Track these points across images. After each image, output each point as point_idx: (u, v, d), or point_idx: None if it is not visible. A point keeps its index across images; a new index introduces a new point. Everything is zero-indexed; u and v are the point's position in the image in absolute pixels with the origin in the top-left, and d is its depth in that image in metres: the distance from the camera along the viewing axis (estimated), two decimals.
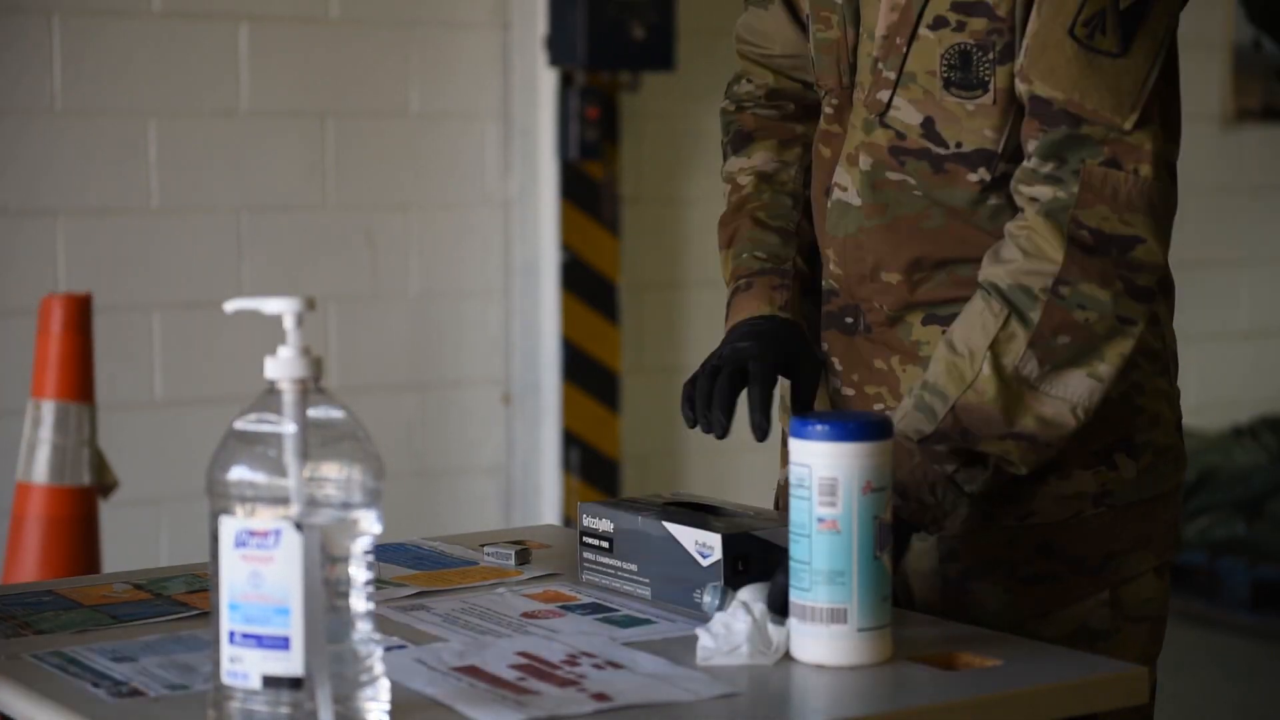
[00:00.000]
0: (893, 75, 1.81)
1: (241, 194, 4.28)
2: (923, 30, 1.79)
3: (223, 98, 4.24)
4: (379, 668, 1.38)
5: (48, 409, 3.26)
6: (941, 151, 1.80)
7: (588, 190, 4.52)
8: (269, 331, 1.46)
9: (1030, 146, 1.73)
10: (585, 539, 1.82)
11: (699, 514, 1.77)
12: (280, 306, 1.34)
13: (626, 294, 4.64)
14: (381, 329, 4.46)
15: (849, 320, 1.88)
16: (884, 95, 1.82)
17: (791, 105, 2.03)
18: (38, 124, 4.06)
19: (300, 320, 1.35)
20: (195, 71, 4.21)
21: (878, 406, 1.86)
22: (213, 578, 1.36)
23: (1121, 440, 1.84)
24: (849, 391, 1.89)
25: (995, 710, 1.49)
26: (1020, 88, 1.74)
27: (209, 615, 1.39)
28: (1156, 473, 1.86)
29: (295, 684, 1.33)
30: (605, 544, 1.80)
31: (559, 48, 4.42)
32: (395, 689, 1.41)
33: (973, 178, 1.79)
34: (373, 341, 4.45)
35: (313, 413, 1.34)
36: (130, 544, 4.02)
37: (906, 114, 1.81)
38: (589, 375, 4.55)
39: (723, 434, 1.78)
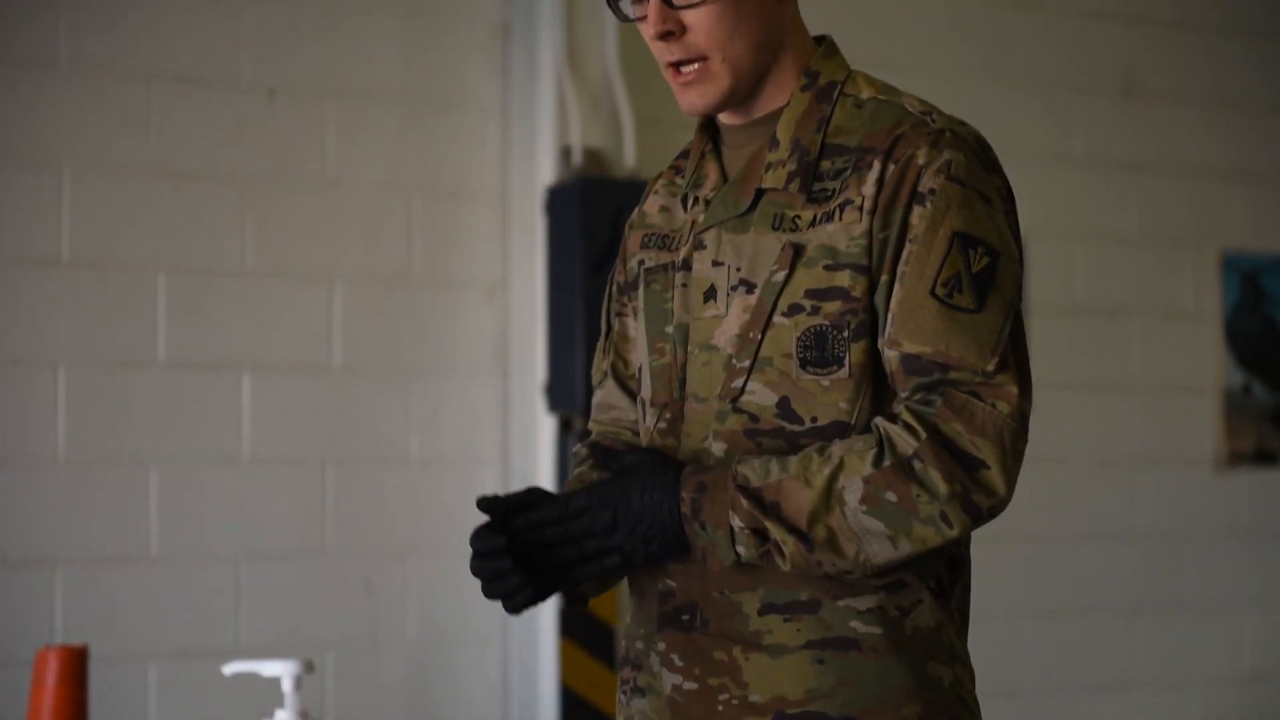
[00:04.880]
0: (747, 364, 1.98)
1: (241, 542, 4.28)
2: (777, 319, 1.98)
3: (225, 445, 4.28)
4: None
5: None
6: (797, 428, 1.96)
7: None
8: (267, 688, 1.45)
9: (901, 391, 1.93)
10: None
11: None
12: (278, 670, 1.34)
13: None
14: (379, 676, 4.42)
15: (685, 618, 1.99)
16: (738, 383, 1.98)
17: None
18: (39, 475, 4.08)
19: (299, 683, 1.35)
20: (198, 420, 4.25)
21: (722, 698, 1.95)
22: None
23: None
24: (691, 686, 1.98)
25: None
26: (888, 354, 1.94)
27: None
28: None
29: None
30: None
31: (558, 394, 4.47)
32: None
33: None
34: (371, 690, 4.41)
35: None
36: None
37: (761, 397, 1.97)
38: None
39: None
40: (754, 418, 1.97)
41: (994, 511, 1.90)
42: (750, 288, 1.99)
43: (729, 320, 2.00)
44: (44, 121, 4.11)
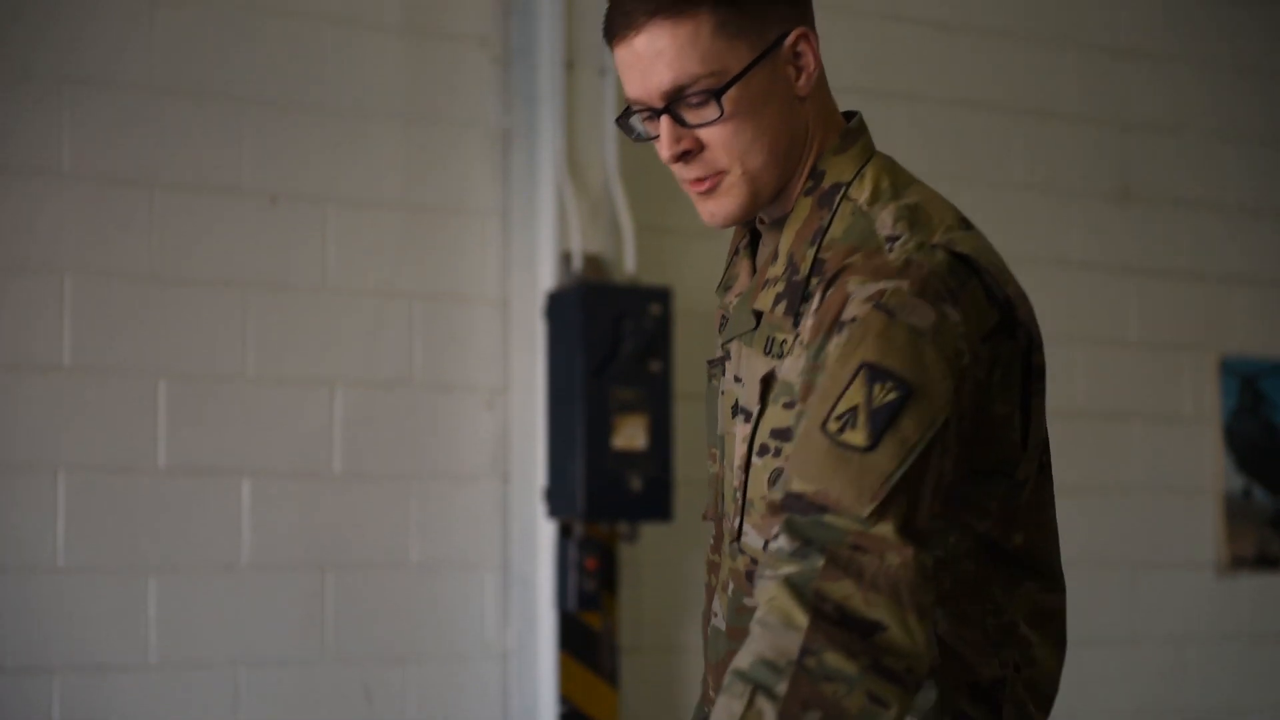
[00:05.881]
0: (741, 503, 1.90)
1: (239, 648, 4.26)
2: (754, 459, 1.88)
3: (224, 552, 4.27)
4: None
5: None
6: None
7: (586, 641, 4.51)
8: None
9: (778, 531, 1.76)
10: None
11: None
12: None
13: None
14: None
15: None
16: (737, 523, 1.91)
17: None
18: (38, 580, 4.07)
19: None
20: (197, 525, 4.24)
21: None
22: None
23: None
24: None
25: None
26: (775, 495, 1.80)
27: None
28: None
29: None
30: None
31: (558, 499, 4.46)
32: None
33: None
34: None
35: None
36: None
37: (752, 539, 1.89)
38: None
39: None
40: (753, 560, 1.89)
41: (914, 672, 1.71)
42: (747, 416, 1.92)
43: (737, 446, 1.93)
44: (46, 227, 4.13)
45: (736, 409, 1.95)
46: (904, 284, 1.80)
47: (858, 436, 1.75)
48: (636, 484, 4.43)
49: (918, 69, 5.26)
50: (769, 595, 1.72)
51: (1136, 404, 5.55)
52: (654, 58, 1.89)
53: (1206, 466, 5.63)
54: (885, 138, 5.50)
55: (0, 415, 4.07)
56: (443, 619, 4.50)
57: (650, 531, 4.61)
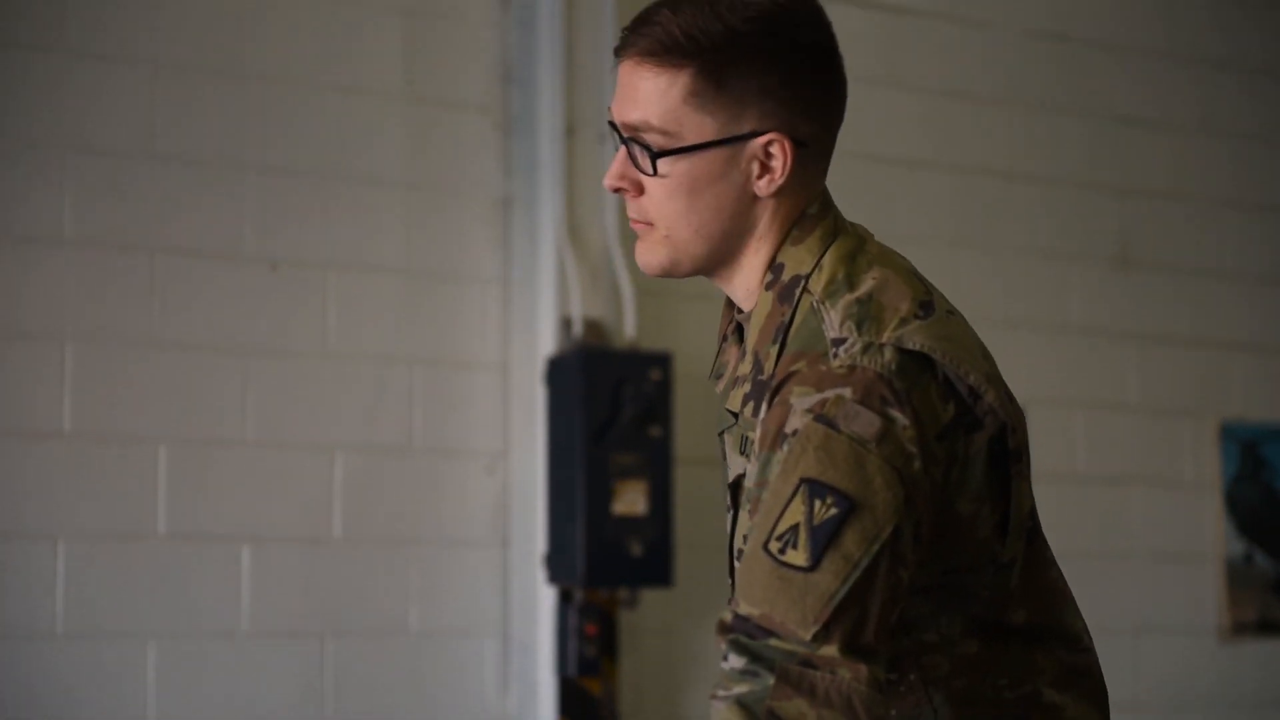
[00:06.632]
0: (729, 583, 1.90)
1: (240, 714, 4.24)
2: (736, 562, 1.88)
3: (223, 619, 4.25)
4: None
5: None
6: None
7: (586, 707, 4.49)
8: None
9: (726, 650, 1.74)
10: None
11: None
12: None
13: None
14: None
15: None
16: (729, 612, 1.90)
17: None
18: (37, 647, 4.06)
19: None
20: (197, 592, 4.23)
21: None
22: None
23: None
24: None
25: None
26: (725, 617, 1.76)
27: None
28: None
29: None
30: None
31: (558, 565, 4.45)
32: None
33: None
34: None
35: None
36: None
37: None
38: None
39: None
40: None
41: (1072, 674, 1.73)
42: (729, 511, 1.93)
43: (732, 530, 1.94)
44: (47, 294, 4.13)
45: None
46: (845, 391, 1.75)
47: (799, 556, 1.71)
48: (637, 549, 4.43)
49: (918, 135, 5.28)
50: (722, 717, 1.71)
51: (1137, 469, 5.54)
52: (630, 90, 1.89)
53: (1208, 532, 5.63)
54: (885, 204, 5.53)
55: (0, 481, 4.06)
56: (443, 685, 4.49)
57: (650, 597, 4.59)
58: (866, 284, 1.85)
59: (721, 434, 1.99)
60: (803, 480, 1.73)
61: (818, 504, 1.72)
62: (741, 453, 1.88)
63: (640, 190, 1.90)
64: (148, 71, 4.28)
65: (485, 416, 4.60)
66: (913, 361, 1.79)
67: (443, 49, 4.64)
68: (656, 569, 4.46)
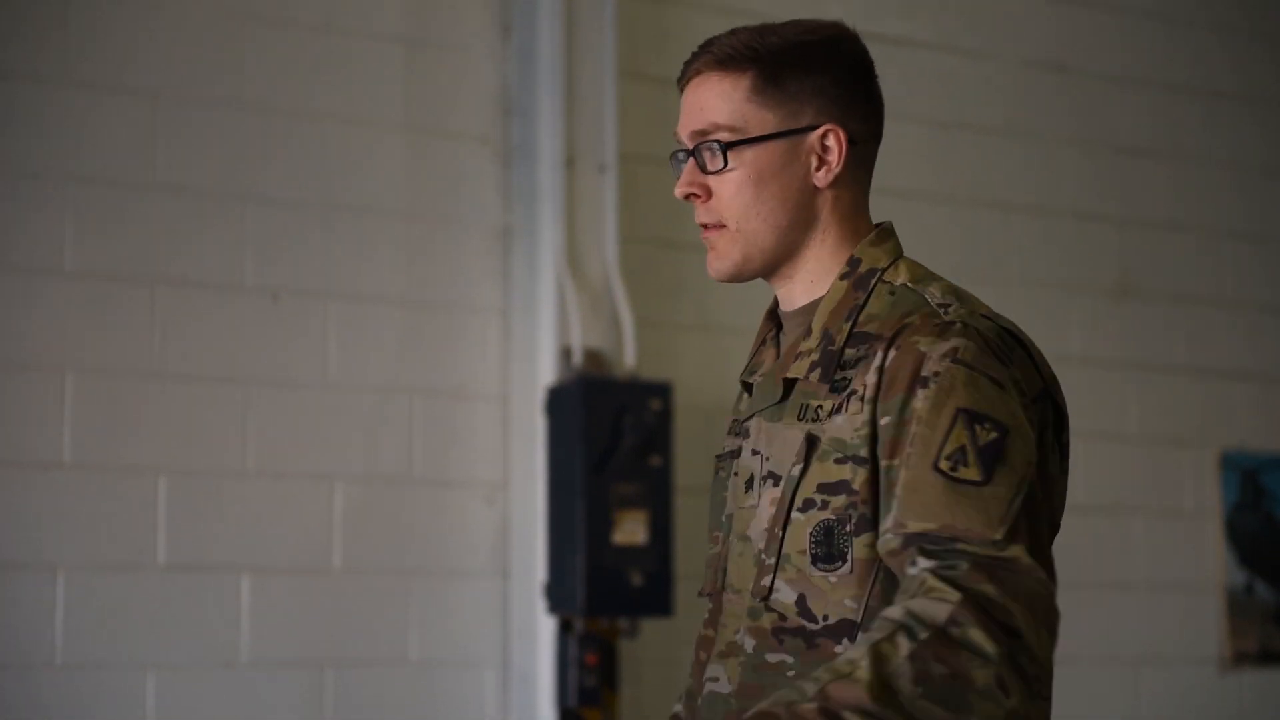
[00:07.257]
0: (773, 561, 1.96)
1: None
2: (794, 514, 1.95)
3: (223, 650, 4.25)
4: None
5: None
6: (813, 627, 1.92)
7: None
8: None
9: (908, 569, 1.82)
10: None
11: None
12: None
13: None
14: None
15: None
16: (767, 581, 1.96)
17: None
18: (36, 677, 4.06)
19: None
20: (196, 623, 4.23)
21: None
22: None
23: None
24: None
25: None
26: (889, 539, 1.86)
27: None
28: None
29: None
30: None
31: (558, 595, 4.45)
32: None
33: (838, 649, 1.90)
34: None
35: None
36: None
37: (784, 594, 1.95)
38: None
39: None
40: (782, 616, 1.95)
41: (1039, 682, 1.79)
42: (777, 480, 2.00)
43: (760, 512, 2.01)
44: (48, 325, 4.14)
45: (756, 480, 2.03)
46: (969, 343, 1.94)
47: (972, 472, 1.85)
48: (637, 579, 4.42)
49: (916, 166, 5.29)
50: (918, 580, 1.80)
51: (1137, 499, 5.54)
52: (695, 103, 2.07)
53: (1208, 561, 5.62)
54: None
55: (0, 512, 4.06)
56: (443, 715, 4.48)
57: (651, 627, 4.59)
58: (945, 284, 2.08)
59: (745, 422, 2.09)
60: (959, 410, 1.88)
61: (978, 429, 1.87)
62: (800, 418, 1.99)
63: (709, 194, 2.06)
64: (148, 102, 4.29)
65: (485, 446, 4.60)
66: (1009, 335, 2.01)
67: (443, 80, 4.65)
68: (657, 598, 4.46)
